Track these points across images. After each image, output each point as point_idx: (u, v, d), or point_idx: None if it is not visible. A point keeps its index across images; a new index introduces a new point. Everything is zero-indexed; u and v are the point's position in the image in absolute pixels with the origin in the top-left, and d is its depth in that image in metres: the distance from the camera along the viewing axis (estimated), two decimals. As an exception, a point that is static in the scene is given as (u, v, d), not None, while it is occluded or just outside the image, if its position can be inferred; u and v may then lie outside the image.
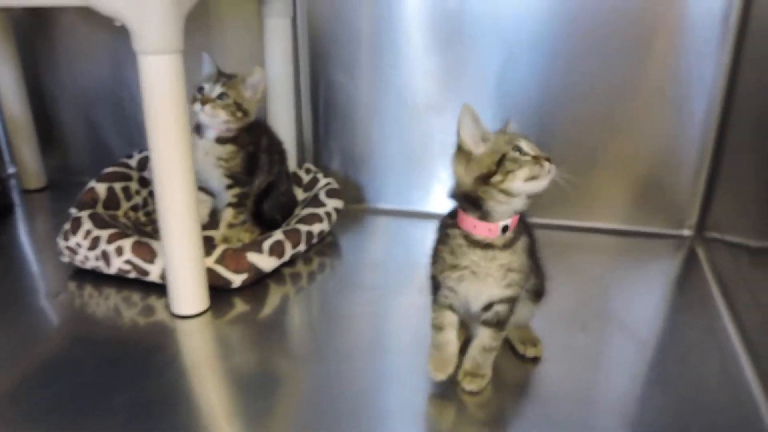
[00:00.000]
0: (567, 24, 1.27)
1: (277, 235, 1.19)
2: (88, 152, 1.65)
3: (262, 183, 1.29)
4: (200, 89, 1.19)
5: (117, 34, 1.49)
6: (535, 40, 1.29)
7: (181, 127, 0.95)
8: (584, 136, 1.34)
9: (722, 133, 1.28)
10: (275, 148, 1.32)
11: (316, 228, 1.26)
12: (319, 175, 1.41)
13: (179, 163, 0.96)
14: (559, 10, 1.26)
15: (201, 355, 0.99)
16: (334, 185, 1.38)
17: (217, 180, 1.25)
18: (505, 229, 0.80)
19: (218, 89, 1.18)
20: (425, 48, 1.35)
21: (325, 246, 1.32)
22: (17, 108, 1.54)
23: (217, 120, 1.19)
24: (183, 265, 1.03)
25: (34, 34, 1.57)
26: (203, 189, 1.28)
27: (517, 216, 0.81)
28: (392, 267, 1.26)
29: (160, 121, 0.94)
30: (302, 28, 1.39)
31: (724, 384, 0.92)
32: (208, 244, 1.16)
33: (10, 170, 1.70)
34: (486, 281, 0.82)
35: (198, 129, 1.23)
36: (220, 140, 1.23)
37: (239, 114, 1.20)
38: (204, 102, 1.17)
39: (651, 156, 1.33)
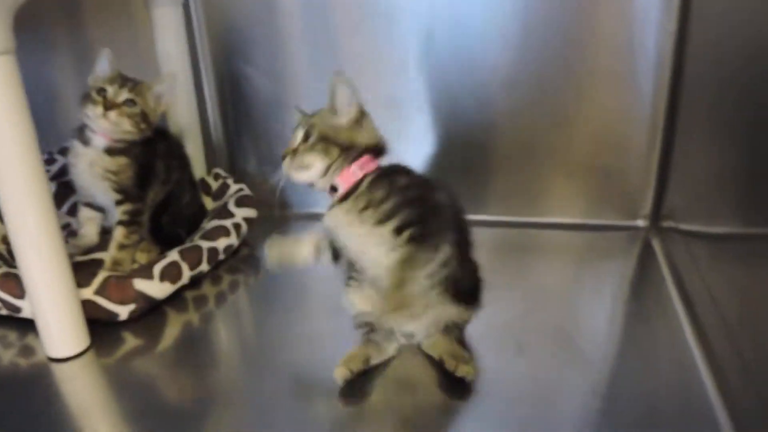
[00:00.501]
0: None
1: (172, 255, 1.04)
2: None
3: (158, 194, 1.14)
4: (101, 90, 1.04)
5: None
6: (460, 15, 1.14)
7: (25, 137, 0.80)
8: (524, 122, 1.20)
9: (673, 110, 1.15)
10: (174, 152, 1.17)
11: (222, 243, 1.12)
12: (229, 181, 1.27)
13: (27, 178, 0.81)
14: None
15: (81, 403, 0.85)
16: (246, 192, 1.24)
17: (104, 194, 1.11)
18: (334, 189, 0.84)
19: (125, 94, 1.04)
20: (336, 30, 1.20)
21: (239, 261, 1.17)
22: None
23: (117, 129, 1.05)
24: (50, 301, 0.88)
25: None
26: (89, 204, 1.14)
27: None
28: (319, 281, 1.10)
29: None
30: (197, 16, 1.23)
31: (682, 403, 0.78)
32: (95, 270, 1.01)
33: None
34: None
35: (81, 134, 1.08)
36: (111, 151, 1.08)
37: (143, 125, 1.07)
38: (108, 107, 1.03)
39: (599, 141, 1.20)
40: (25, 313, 0.97)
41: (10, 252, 1.08)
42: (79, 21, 1.28)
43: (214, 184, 1.27)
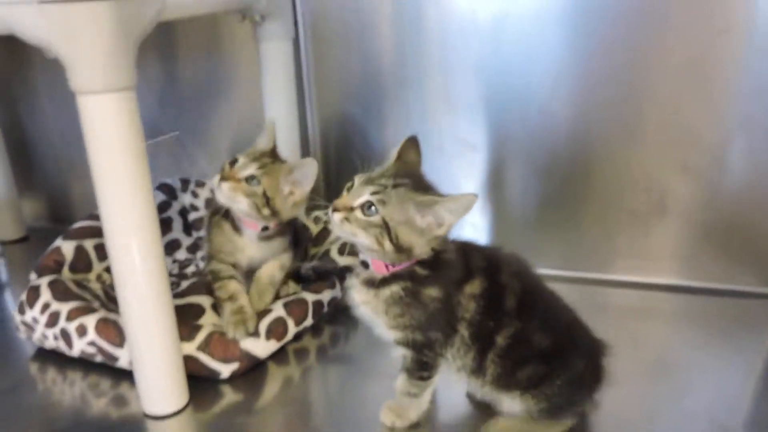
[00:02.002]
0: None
1: (277, 309, 0.97)
2: (70, 199, 1.47)
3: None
4: (234, 161, 0.95)
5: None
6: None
7: (140, 176, 0.74)
8: (645, 172, 1.09)
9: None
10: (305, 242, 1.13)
11: (326, 296, 1.04)
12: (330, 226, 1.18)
13: (139, 218, 0.75)
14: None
15: None
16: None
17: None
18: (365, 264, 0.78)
19: (250, 169, 0.93)
20: (450, 72, 1.12)
21: (339, 310, 1.08)
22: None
23: (234, 206, 0.95)
24: (151, 354, 0.82)
25: (11, 74, 1.39)
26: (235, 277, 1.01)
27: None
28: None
29: (109, 177, 0.73)
30: (307, 52, 1.17)
31: None
32: (193, 315, 0.94)
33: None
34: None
35: (232, 222, 0.99)
36: (264, 238, 1.00)
37: (265, 211, 0.94)
38: (224, 177, 0.93)
39: (731, 195, 1.06)
40: (122, 363, 0.91)
41: (107, 293, 1.04)
42: (174, 55, 1.24)
43: (314, 228, 1.20)
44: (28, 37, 0.69)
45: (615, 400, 0.81)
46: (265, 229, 0.99)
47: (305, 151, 1.23)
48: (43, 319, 0.94)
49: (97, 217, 1.12)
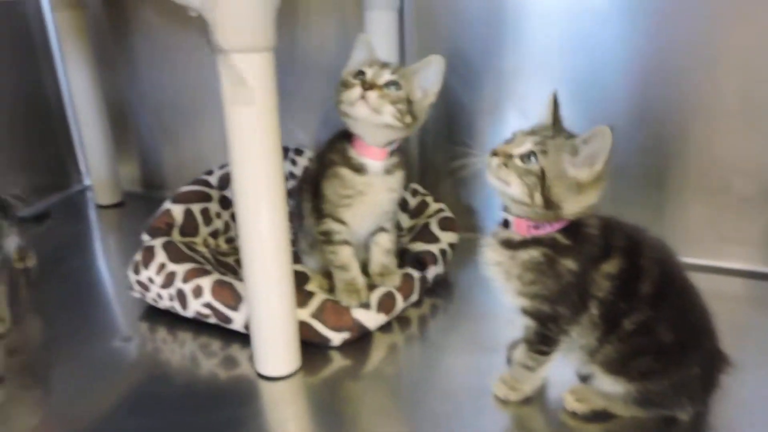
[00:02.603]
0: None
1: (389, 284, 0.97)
2: (166, 165, 1.49)
3: None
4: (359, 74, 0.89)
5: (199, 37, 1.32)
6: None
7: (271, 144, 0.74)
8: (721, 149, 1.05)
9: None
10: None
11: (431, 272, 1.04)
12: (428, 199, 1.18)
13: (267, 186, 0.76)
14: None
15: (290, 425, 0.80)
16: (448, 213, 1.14)
17: (381, 218, 0.98)
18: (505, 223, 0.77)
19: (387, 75, 0.87)
20: (550, 50, 1.10)
21: (437, 284, 1.08)
22: (92, 116, 1.39)
23: (379, 118, 0.87)
24: (271, 320, 0.83)
25: (111, 38, 1.42)
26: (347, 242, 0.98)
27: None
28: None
29: (245, 136, 0.73)
30: (410, 23, 1.16)
31: None
32: (300, 284, 0.95)
33: (86, 182, 1.56)
34: None
35: (348, 162, 0.93)
36: (389, 170, 0.94)
37: (408, 118, 0.89)
38: (368, 86, 0.86)
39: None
40: (236, 325, 0.92)
41: (215, 257, 1.05)
42: (290, 23, 1.24)
43: (412, 201, 1.19)
44: (175, -3, 0.69)
45: (737, 387, 0.79)
46: (392, 154, 0.94)
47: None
48: (159, 279, 0.95)
49: (202, 182, 1.15)
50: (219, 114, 1.33)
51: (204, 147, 1.43)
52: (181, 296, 0.94)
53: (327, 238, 0.96)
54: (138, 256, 0.99)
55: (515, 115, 1.15)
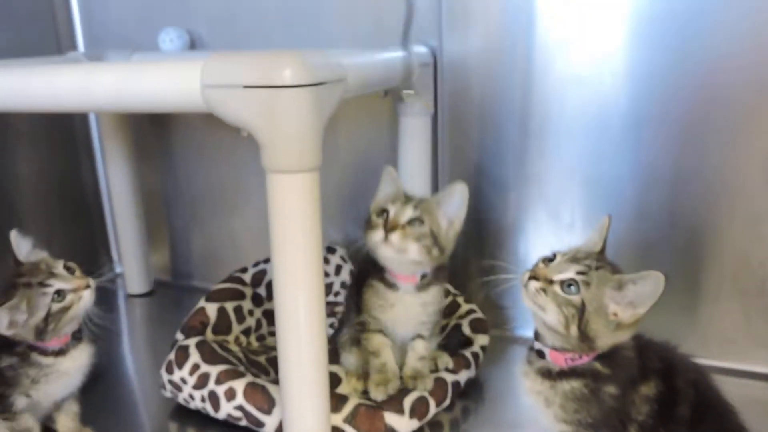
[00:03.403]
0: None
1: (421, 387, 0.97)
2: (195, 256, 1.52)
3: None
4: (382, 212, 0.91)
5: (238, 136, 1.37)
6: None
7: (312, 256, 0.76)
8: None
9: None
10: None
11: (463, 376, 1.03)
12: (460, 299, 1.19)
13: (307, 296, 0.77)
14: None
15: None
16: (479, 314, 1.15)
17: (417, 327, 0.99)
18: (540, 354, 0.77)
19: (410, 212, 0.89)
20: (578, 157, 1.13)
21: (467, 385, 1.08)
22: (127, 205, 1.43)
23: (404, 257, 0.89)
24: (304, 424, 0.83)
25: (149, 130, 1.47)
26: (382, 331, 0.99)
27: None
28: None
29: (288, 249, 0.76)
30: (443, 127, 1.20)
31: None
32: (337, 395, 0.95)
33: (118, 270, 1.59)
34: None
35: (384, 281, 0.95)
36: (423, 287, 0.95)
37: (435, 251, 0.90)
38: (390, 228, 0.88)
39: None
40: (267, 430, 0.92)
41: (246, 356, 1.06)
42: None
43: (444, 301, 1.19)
44: (227, 117, 0.73)
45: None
46: (424, 277, 0.95)
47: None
48: (192, 380, 0.96)
49: (234, 279, 1.17)
50: (249, 209, 1.40)
51: (234, 239, 1.46)
52: (213, 398, 0.94)
53: (362, 327, 0.97)
54: (171, 356, 1.00)
55: (547, 219, 1.18)
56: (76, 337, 0.90)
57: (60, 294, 0.84)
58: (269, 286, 1.19)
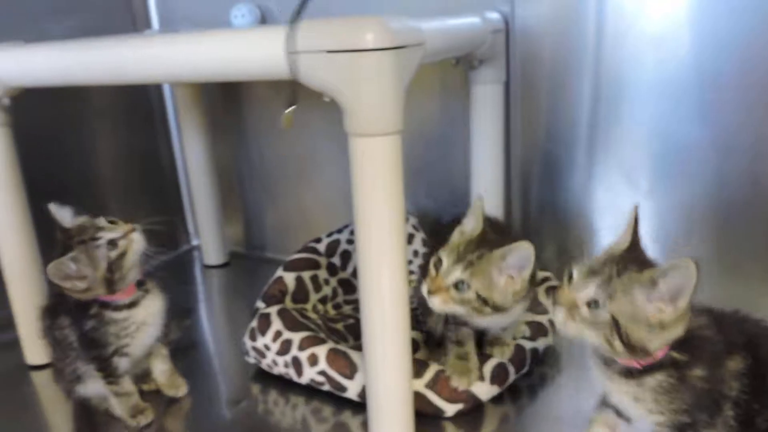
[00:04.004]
0: None
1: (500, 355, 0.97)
2: (269, 228, 1.55)
3: None
4: (439, 261, 0.87)
5: (311, 109, 1.38)
6: None
7: (395, 219, 0.77)
8: None
9: None
10: None
11: (541, 343, 1.03)
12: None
13: (391, 260, 0.78)
14: None
15: None
16: (554, 281, 1.14)
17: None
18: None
19: (457, 273, 0.84)
20: (655, 122, 1.10)
21: (544, 353, 1.07)
22: (203, 180, 1.47)
23: (450, 310, 0.87)
24: (387, 389, 0.84)
25: (223, 107, 1.50)
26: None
27: None
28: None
29: (372, 210, 0.76)
30: (516, 95, 1.18)
31: None
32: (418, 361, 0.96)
33: (194, 242, 1.64)
34: None
35: None
36: None
37: (487, 310, 0.86)
38: (434, 290, 0.85)
39: None
40: (350, 394, 0.94)
41: (325, 324, 1.08)
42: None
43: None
44: (311, 83, 0.74)
45: None
46: None
47: (507, 193, 1.23)
48: (275, 346, 0.99)
49: (310, 250, 1.19)
50: (320, 182, 1.42)
51: (305, 211, 1.48)
52: (296, 364, 0.97)
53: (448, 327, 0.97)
54: (254, 323, 1.02)
55: (622, 186, 1.15)
56: (142, 287, 0.94)
57: (112, 243, 0.88)
58: (343, 256, 1.21)
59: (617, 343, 0.66)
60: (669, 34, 1.05)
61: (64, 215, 0.91)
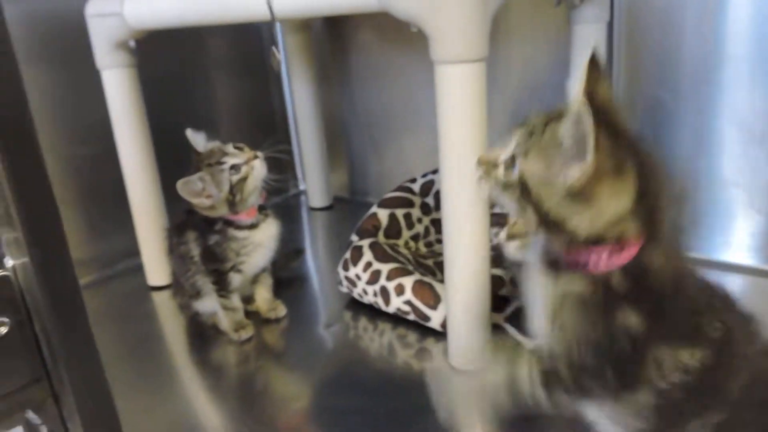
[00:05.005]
0: None
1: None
2: (372, 174, 1.61)
3: None
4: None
5: (409, 56, 1.41)
6: None
7: (479, 146, 0.78)
8: None
9: None
10: None
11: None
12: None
13: (472, 191, 0.80)
14: None
15: (477, 416, 0.82)
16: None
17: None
18: None
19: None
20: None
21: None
22: (311, 127, 1.54)
23: None
24: (466, 318, 0.87)
25: (331, 57, 1.56)
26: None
27: None
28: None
29: (455, 139, 0.78)
30: (620, 35, 1.15)
31: None
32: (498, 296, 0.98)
33: (301, 187, 1.73)
34: None
35: None
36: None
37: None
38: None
39: None
40: (433, 324, 0.98)
41: (415, 259, 1.12)
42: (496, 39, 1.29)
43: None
44: (398, 12, 0.76)
45: None
46: None
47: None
48: (366, 276, 1.04)
49: (405, 189, 1.23)
50: (421, 129, 1.44)
51: (406, 158, 1.52)
52: (384, 293, 1.01)
53: None
54: (347, 255, 1.08)
55: (734, 132, 1.09)
56: (263, 212, 1.03)
57: (235, 168, 0.96)
58: (437, 196, 1.23)
59: (530, 213, 0.55)
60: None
61: (198, 140, 1.00)
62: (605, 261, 0.53)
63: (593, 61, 0.56)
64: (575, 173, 0.51)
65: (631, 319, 0.52)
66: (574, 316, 0.55)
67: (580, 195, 0.51)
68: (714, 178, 1.12)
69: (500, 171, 0.58)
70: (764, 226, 1.10)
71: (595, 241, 0.52)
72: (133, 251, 1.23)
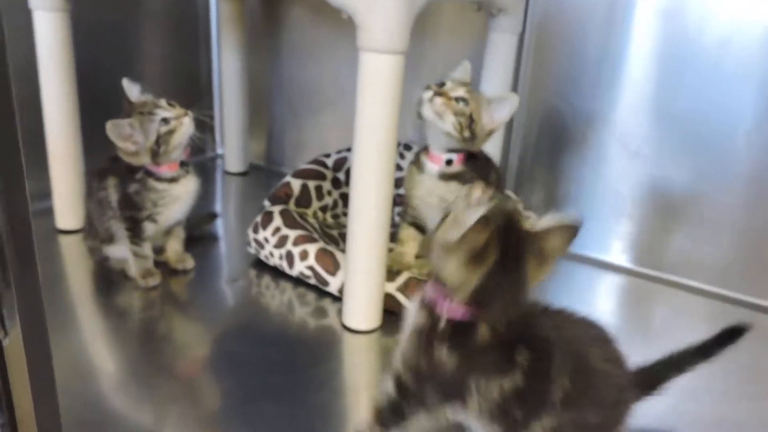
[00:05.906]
0: None
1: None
2: (288, 145, 1.67)
3: None
4: (441, 84, 1.02)
5: (340, 35, 1.49)
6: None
7: (389, 135, 0.88)
8: None
9: None
10: (501, 185, 1.17)
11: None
12: (519, 207, 1.28)
13: (380, 172, 0.89)
14: None
15: (364, 374, 0.93)
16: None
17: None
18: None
19: (461, 92, 1.00)
20: (656, 86, 1.18)
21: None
22: (235, 94, 1.59)
23: (438, 123, 0.99)
24: (363, 284, 0.97)
25: (262, 28, 1.61)
26: (416, 225, 1.12)
27: None
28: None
29: (369, 123, 0.87)
30: (529, 47, 1.27)
31: None
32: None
33: (219, 151, 1.76)
34: None
35: (417, 162, 1.08)
36: (444, 176, 1.05)
37: (466, 133, 1.00)
38: (438, 93, 0.99)
39: None
40: (331, 289, 1.06)
41: (321, 228, 1.20)
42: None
43: (504, 208, 1.29)
44: (334, 1, 0.84)
45: None
46: (449, 162, 1.04)
47: (507, 139, 1.32)
48: (274, 240, 1.11)
49: (319, 162, 1.30)
50: (340, 106, 1.52)
51: (323, 134, 1.60)
52: (289, 257, 1.09)
53: (402, 217, 1.13)
54: (258, 218, 1.15)
55: (616, 147, 1.24)
56: (184, 167, 1.07)
57: (165, 120, 1.01)
58: (348, 173, 1.32)
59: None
60: (676, 7, 1.13)
61: (133, 90, 1.04)
62: (447, 308, 0.63)
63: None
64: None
65: (444, 358, 0.63)
66: (409, 342, 0.66)
67: (449, 250, 0.60)
68: (596, 184, 1.27)
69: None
70: (633, 230, 1.26)
71: (450, 289, 0.62)
72: (44, 194, 1.24)
